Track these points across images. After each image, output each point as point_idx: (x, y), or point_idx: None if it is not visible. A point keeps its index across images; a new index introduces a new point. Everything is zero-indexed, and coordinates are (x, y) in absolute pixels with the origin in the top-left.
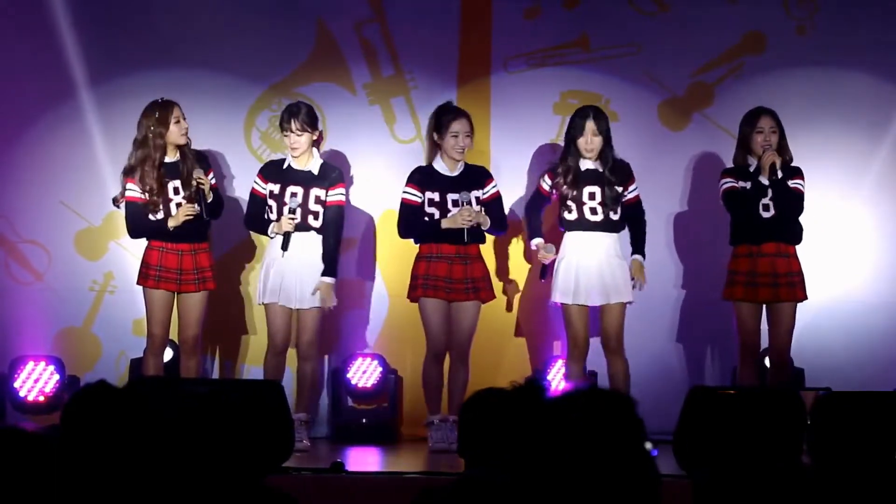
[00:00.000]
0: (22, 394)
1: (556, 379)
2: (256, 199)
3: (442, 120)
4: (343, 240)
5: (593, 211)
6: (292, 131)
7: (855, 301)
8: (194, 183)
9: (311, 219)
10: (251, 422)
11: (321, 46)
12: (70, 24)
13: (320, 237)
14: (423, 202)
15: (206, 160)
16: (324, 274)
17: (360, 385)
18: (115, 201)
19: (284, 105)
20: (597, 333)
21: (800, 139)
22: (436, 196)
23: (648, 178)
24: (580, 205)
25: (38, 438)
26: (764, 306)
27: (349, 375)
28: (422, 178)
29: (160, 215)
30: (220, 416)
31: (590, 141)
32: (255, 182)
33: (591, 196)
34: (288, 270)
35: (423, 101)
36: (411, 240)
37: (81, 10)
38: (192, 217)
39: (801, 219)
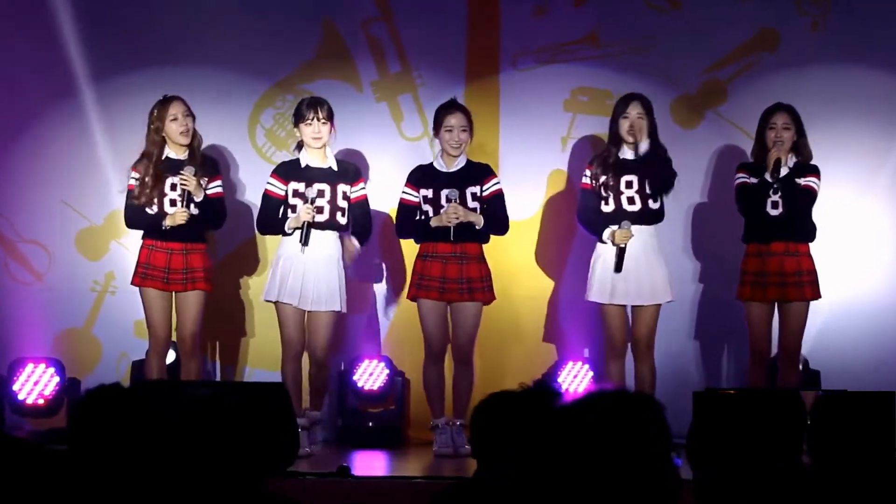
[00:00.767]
0: (21, 396)
1: (567, 381)
2: (271, 201)
3: (438, 116)
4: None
5: (630, 200)
6: (318, 119)
7: (873, 301)
8: (178, 181)
9: (338, 215)
10: (255, 425)
11: (327, 43)
12: (71, 22)
13: (336, 236)
14: (420, 200)
15: (214, 167)
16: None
17: (366, 388)
18: None
19: (289, 102)
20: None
21: (814, 137)
22: (429, 193)
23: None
24: (617, 195)
25: (26, 446)
26: (776, 306)
27: (355, 378)
28: (419, 176)
29: (153, 209)
30: (224, 419)
31: (637, 125)
32: (270, 183)
33: (629, 185)
34: (306, 270)
35: (430, 98)
36: (412, 239)
37: (82, 8)
38: (184, 221)
39: (816, 217)
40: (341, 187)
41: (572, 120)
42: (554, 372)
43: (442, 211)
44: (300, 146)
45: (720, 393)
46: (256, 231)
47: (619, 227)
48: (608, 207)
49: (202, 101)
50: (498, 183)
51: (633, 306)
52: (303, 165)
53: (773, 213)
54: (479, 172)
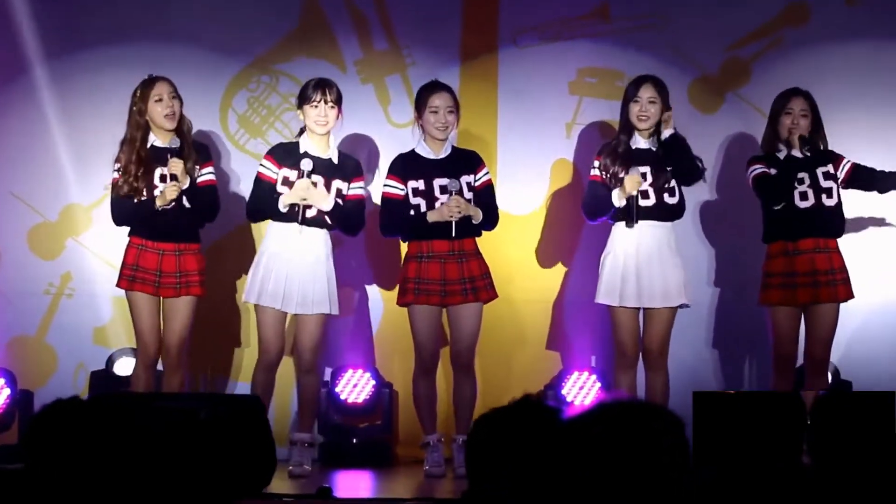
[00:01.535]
0: None
1: (573, 393)
2: (264, 185)
3: (421, 96)
4: (335, 237)
5: (644, 195)
6: (326, 102)
7: None
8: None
9: (324, 207)
10: (227, 441)
11: (306, 17)
12: None
13: (326, 233)
14: (407, 194)
15: (204, 153)
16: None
17: (350, 400)
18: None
19: (264, 84)
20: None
21: (843, 118)
22: (420, 184)
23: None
24: (636, 208)
25: None
26: (802, 311)
27: (338, 390)
28: (403, 166)
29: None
30: (193, 434)
31: (645, 108)
32: (263, 165)
33: (643, 177)
34: (290, 270)
35: (421, 79)
36: (398, 238)
37: None
38: (175, 200)
39: (850, 210)
40: (337, 183)
41: (578, 104)
42: (558, 382)
43: (440, 204)
44: (302, 131)
45: (720, 393)
46: (246, 218)
47: (628, 178)
48: (620, 202)
49: None
50: (488, 172)
51: (644, 311)
52: (301, 151)
53: (803, 204)
54: (470, 160)
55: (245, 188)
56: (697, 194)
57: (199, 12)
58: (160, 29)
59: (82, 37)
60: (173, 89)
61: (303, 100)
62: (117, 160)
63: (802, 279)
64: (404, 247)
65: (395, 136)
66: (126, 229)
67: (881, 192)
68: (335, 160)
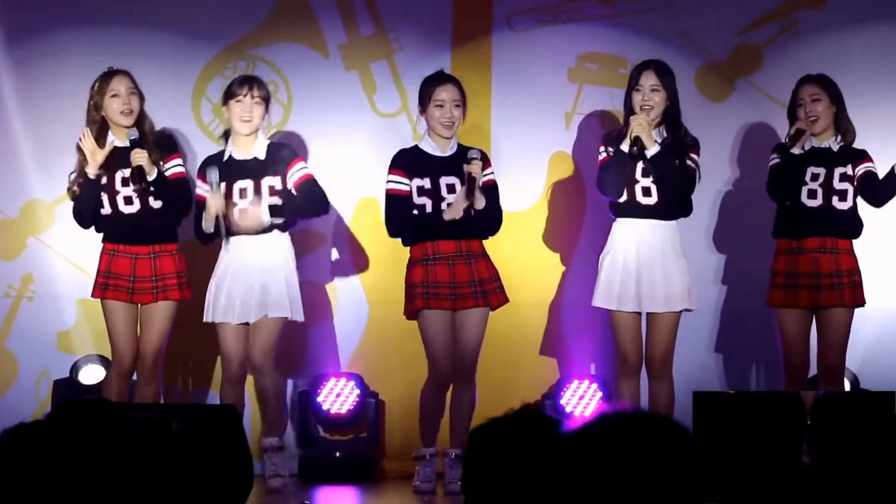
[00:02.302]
0: None
1: (572, 403)
2: (200, 205)
3: (425, 89)
4: (315, 233)
5: (646, 192)
6: (251, 97)
7: None
8: (134, 162)
9: (266, 223)
10: (201, 453)
11: None
12: None
13: (282, 236)
14: (412, 191)
15: (169, 144)
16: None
17: (332, 411)
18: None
19: (241, 70)
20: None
21: (863, 108)
22: (425, 183)
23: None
24: (632, 184)
25: None
26: (813, 314)
27: (320, 399)
28: (407, 161)
29: (105, 209)
30: (166, 447)
31: (647, 97)
32: (198, 185)
33: (645, 173)
34: (237, 280)
35: (409, 65)
36: (401, 240)
37: None
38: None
39: (869, 209)
40: (267, 181)
41: (578, 92)
42: (556, 392)
43: (445, 205)
44: (227, 135)
45: (720, 393)
46: (199, 243)
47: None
48: (622, 198)
49: (138, 69)
50: (493, 172)
51: (647, 315)
52: (225, 158)
53: (811, 203)
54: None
55: None
56: (709, 188)
57: None
58: (128, 11)
59: (43, 20)
60: (133, 85)
61: (227, 96)
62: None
63: (805, 280)
64: (395, 246)
65: (381, 126)
66: (94, 229)
67: (876, 205)
68: (261, 157)
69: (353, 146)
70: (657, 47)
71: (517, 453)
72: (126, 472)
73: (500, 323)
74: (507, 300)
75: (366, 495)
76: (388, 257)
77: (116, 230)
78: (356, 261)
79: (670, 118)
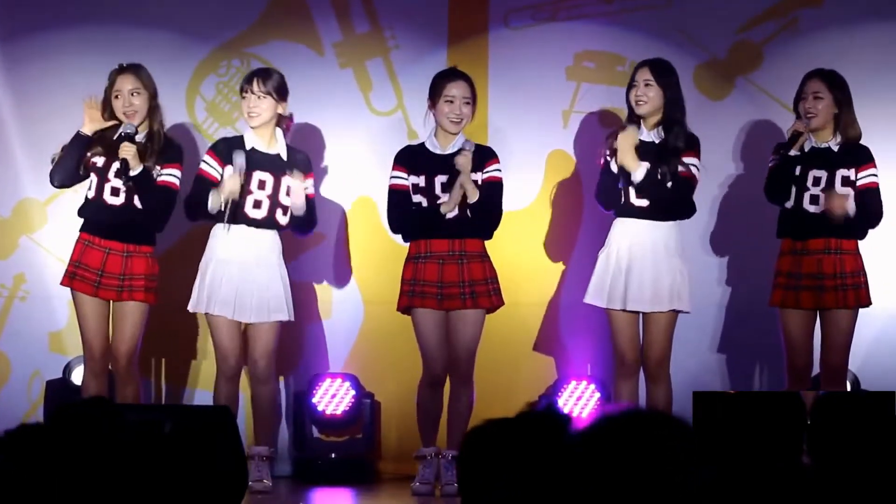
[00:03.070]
0: None
1: (569, 404)
2: (204, 182)
3: (437, 84)
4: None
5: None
6: (254, 93)
7: None
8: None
9: (279, 213)
10: (195, 455)
11: None
12: None
13: (275, 235)
14: (409, 188)
15: (173, 152)
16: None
17: (328, 412)
18: None
19: (235, 69)
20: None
21: (864, 108)
22: (420, 180)
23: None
24: (627, 184)
25: None
26: (817, 315)
27: (315, 400)
28: (409, 157)
29: (91, 193)
30: (159, 448)
31: (643, 93)
32: (205, 162)
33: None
34: (242, 277)
35: (405, 63)
36: (390, 233)
37: None
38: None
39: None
40: (286, 180)
41: (576, 90)
42: (554, 392)
43: (441, 203)
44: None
45: (720, 393)
46: (186, 216)
47: (621, 132)
48: (616, 167)
49: None
50: (499, 170)
51: (643, 315)
52: (247, 147)
53: (811, 209)
54: (480, 156)
55: None
56: (708, 187)
57: None
58: (122, 9)
59: (36, 19)
60: (139, 83)
61: (240, 90)
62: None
63: (807, 281)
64: (392, 246)
65: (377, 124)
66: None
67: (865, 226)
68: (284, 155)
69: (349, 145)
70: (655, 45)
71: (514, 455)
72: (120, 474)
73: (498, 323)
74: (501, 303)
75: (361, 497)
76: (384, 257)
77: (95, 218)
78: (353, 260)
79: (668, 118)
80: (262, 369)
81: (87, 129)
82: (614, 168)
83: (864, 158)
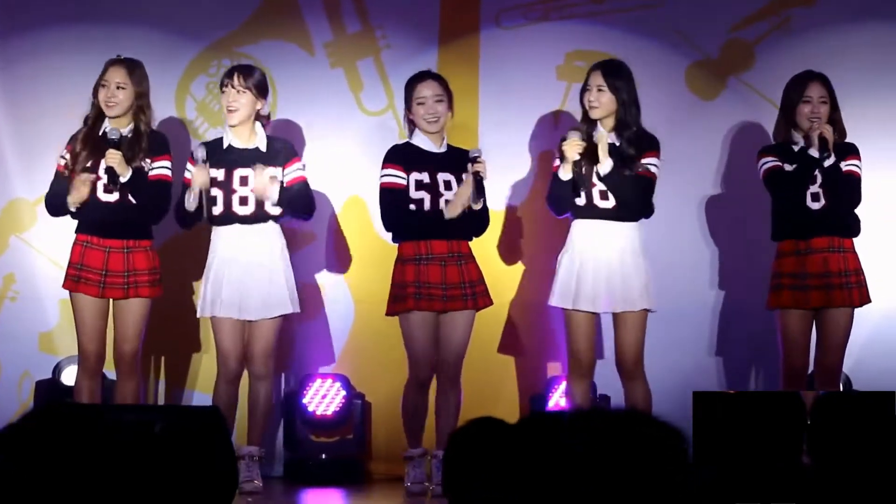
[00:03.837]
0: None
1: (561, 404)
2: (186, 188)
3: (408, 89)
4: (301, 232)
5: (603, 195)
6: (233, 87)
7: None
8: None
9: (267, 205)
10: (185, 456)
11: None
12: None
13: (275, 228)
14: (409, 185)
15: (160, 144)
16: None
17: (318, 412)
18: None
19: (225, 68)
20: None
21: (857, 109)
22: (424, 177)
23: (675, 156)
24: (588, 186)
25: None
26: (814, 315)
27: (305, 401)
28: (403, 156)
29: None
30: (148, 450)
31: (595, 98)
32: (188, 170)
33: (598, 177)
34: (244, 273)
35: (396, 63)
36: (393, 234)
37: None
38: (86, 195)
39: (863, 207)
40: (269, 171)
41: (567, 90)
42: (545, 393)
43: (444, 202)
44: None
45: (720, 393)
46: (179, 226)
47: (566, 140)
48: (580, 200)
49: None
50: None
51: (613, 316)
52: (225, 146)
53: (815, 206)
54: (463, 158)
55: None
56: (700, 189)
57: None
58: (112, 9)
59: (27, 18)
60: (126, 79)
61: (220, 84)
62: (69, 147)
63: (814, 281)
64: (383, 245)
65: (368, 124)
66: (73, 225)
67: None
68: (263, 148)
69: (340, 145)
70: (646, 45)
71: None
72: (108, 474)
73: (488, 323)
74: (491, 302)
75: (352, 497)
76: (375, 256)
77: (91, 217)
78: (342, 260)
79: (621, 122)
80: (260, 368)
81: (72, 202)
82: (562, 175)
83: (850, 150)
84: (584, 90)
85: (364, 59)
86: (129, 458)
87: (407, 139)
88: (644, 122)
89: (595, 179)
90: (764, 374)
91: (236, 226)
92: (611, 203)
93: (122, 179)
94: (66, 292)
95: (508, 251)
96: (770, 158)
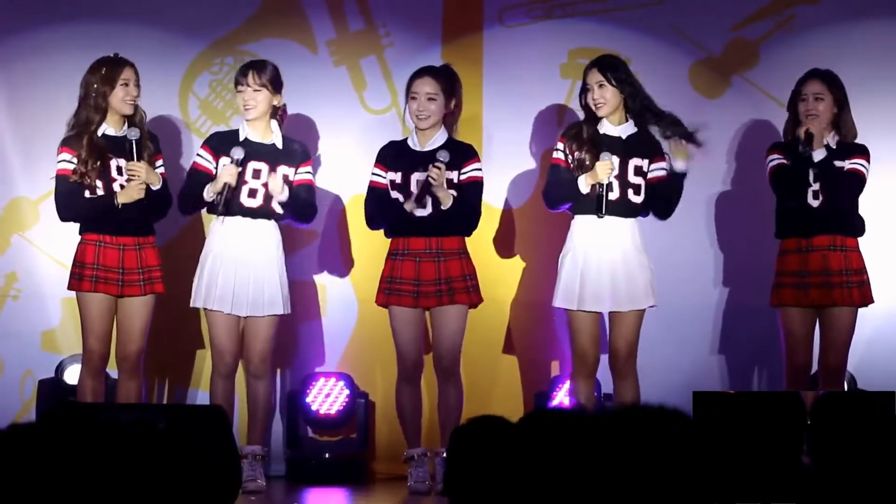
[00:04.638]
0: None
1: (566, 403)
2: (198, 175)
3: (408, 82)
4: (304, 231)
5: (608, 187)
6: (249, 86)
7: None
8: (126, 168)
9: (274, 202)
10: (188, 454)
11: None
12: None
13: (275, 229)
14: (388, 184)
15: (156, 142)
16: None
17: (321, 411)
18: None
19: (228, 66)
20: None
21: (861, 103)
22: (397, 177)
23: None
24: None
25: None
26: (817, 313)
27: (308, 400)
28: (389, 154)
29: (99, 193)
30: (150, 449)
31: (599, 95)
32: (199, 155)
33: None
34: (239, 270)
35: (399, 61)
36: (382, 231)
37: None
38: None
39: (866, 205)
40: (283, 170)
41: (571, 88)
42: (549, 391)
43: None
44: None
45: (720, 393)
46: (178, 210)
47: (599, 160)
48: (585, 189)
49: None
50: (479, 170)
51: (610, 313)
52: (241, 138)
53: (814, 203)
54: (458, 154)
55: None
56: (705, 187)
57: None
58: (114, 7)
59: (27, 16)
60: (136, 76)
61: (235, 83)
62: (68, 150)
63: (814, 279)
64: (386, 244)
65: (371, 122)
66: (76, 224)
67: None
68: (279, 145)
69: (344, 143)
70: (650, 43)
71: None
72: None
73: (491, 321)
74: (479, 300)
75: (355, 496)
76: (378, 255)
77: (103, 216)
78: (346, 259)
79: (636, 113)
80: (259, 366)
81: (122, 201)
82: (582, 188)
83: (857, 151)
84: (583, 91)
85: (367, 58)
86: (133, 457)
87: (406, 136)
88: None
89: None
90: (767, 373)
91: (238, 218)
92: (615, 195)
93: (154, 188)
94: (69, 291)
95: (508, 248)
96: (776, 156)
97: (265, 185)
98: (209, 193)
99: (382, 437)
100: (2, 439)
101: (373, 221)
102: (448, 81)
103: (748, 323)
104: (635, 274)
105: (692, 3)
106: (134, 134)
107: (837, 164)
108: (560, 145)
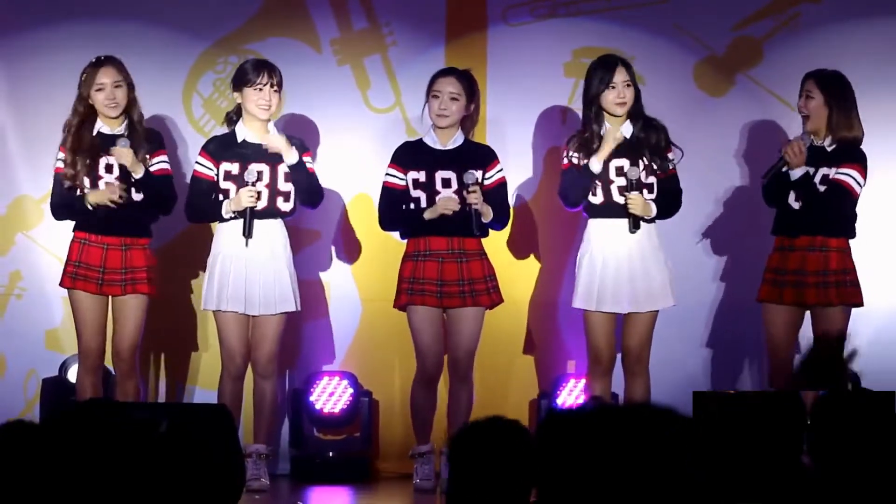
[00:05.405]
0: None
1: (568, 402)
2: (200, 184)
3: (430, 81)
4: (308, 230)
5: (622, 190)
6: (271, 86)
7: None
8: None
9: (280, 201)
10: (192, 453)
11: None
12: None
13: (281, 227)
14: (408, 185)
15: (157, 140)
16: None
17: (325, 410)
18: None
19: (232, 65)
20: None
21: (865, 102)
22: (421, 176)
23: (684, 152)
24: (606, 183)
25: None
26: (805, 312)
27: (312, 399)
28: (405, 155)
29: (79, 192)
30: (155, 448)
31: (623, 93)
32: (198, 163)
33: (619, 171)
34: (249, 270)
35: (403, 60)
36: (396, 234)
37: None
38: (118, 202)
39: (866, 206)
40: (283, 167)
41: (574, 87)
42: (552, 391)
43: (439, 199)
44: (232, 117)
45: (720, 393)
46: (188, 221)
47: (630, 170)
48: (596, 199)
49: (128, 64)
50: (502, 170)
51: (626, 313)
52: (239, 140)
53: (795, 205)
54: (481, 155)
55: None
56: (710, 185)
57: None
58: (117, 5)
59: (30, 15)
60: (120, 76)
61: (242, 82)
62: (61, 146)
63: (790, 277)
64: (390, 243)
65: (375, 121)
66: (71, 223)
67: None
68: None
69: (347, 142)
70: (654, 41)
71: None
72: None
73: (498, 321)
74: (501, 300)
75: (359, 495)
76: (382, 254)
77: (90, 215)
78: (349, 258)
79: (640, 113)
80: (266, 365)
81: (92, 201)
82: (595, 167)
83: (850, 159)
84: (600, 89)
85: (371, 56)
86: (137, 456)
87: (417, 136)
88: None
89: (613, 176)
90: (757, 367)
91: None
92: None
93: (136, 177)
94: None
95: (516, 247)
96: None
97: (268, 185)
98: (227, 212)
99: (387, 435)
100: (4, 435)
101: (386, 223)
102: (470, 85)
103: (745, 319)
104: (653, 273)
105: (696, 1)
106: (124, 143)
107: (824, 171)
108: (566, 152)
